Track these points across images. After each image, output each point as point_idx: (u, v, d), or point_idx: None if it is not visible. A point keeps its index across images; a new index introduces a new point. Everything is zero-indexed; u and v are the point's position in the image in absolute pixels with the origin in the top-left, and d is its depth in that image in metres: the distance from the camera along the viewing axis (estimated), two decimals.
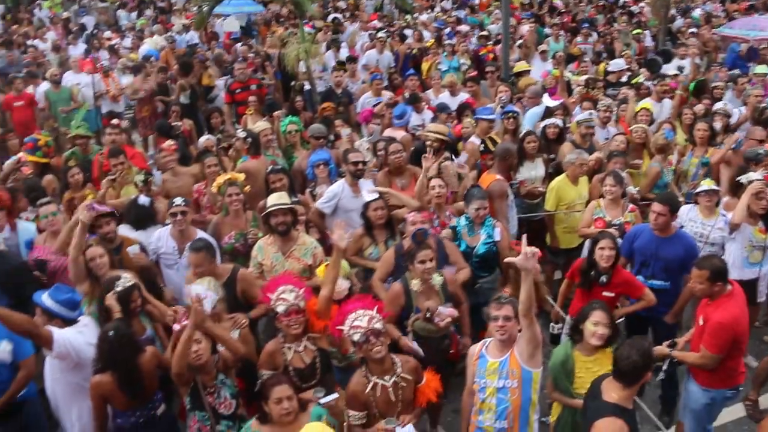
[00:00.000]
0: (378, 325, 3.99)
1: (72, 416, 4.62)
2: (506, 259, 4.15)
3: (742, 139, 7.62)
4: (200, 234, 5.80)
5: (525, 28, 14.39)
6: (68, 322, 4.52)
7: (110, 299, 4.57)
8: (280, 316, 4.26)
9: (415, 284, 4.94)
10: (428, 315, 4.71)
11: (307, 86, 11.26)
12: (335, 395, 4.24)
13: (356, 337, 3.98)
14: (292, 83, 11.68)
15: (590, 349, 4.38)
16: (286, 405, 3.77)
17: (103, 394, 4.22)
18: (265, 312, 5.08)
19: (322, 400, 4.23)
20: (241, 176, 6.28)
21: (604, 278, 5.24)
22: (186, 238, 5.71)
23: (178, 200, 5.77)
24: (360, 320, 3.99)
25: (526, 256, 3.64)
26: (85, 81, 11.31)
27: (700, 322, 4.67)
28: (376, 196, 5.94)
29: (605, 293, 5.25)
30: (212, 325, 4.31)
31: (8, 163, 7.19)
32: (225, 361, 4.32)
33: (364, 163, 6.53)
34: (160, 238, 5.88)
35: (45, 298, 4.46)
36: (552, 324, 5.81)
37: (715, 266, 4.55)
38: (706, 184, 6.17)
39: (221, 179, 6.14)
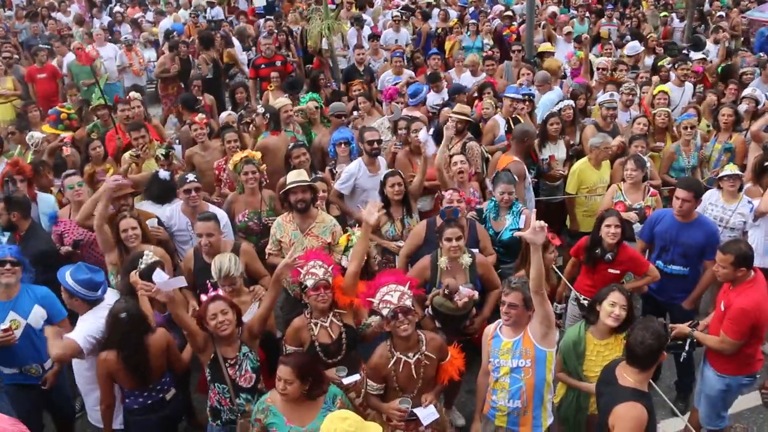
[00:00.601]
0: (408, 302, 3.99)
1: (90, 402, 4.73)
2: (515, 233, 4.11)
3: None
4: (212, 208, 5.85)
5: (551, 9, 14.19)
6: (90, 302, 4.52)
7: (134, 276, 4.60)
8: (308, 291, 4.28)
9: (442, 261, 4.95)
10: (447, 291, 4.71)
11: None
12: (357, 376, 4.27)
13: (385, 312, 3.99)
14: (314, 59, 11.68)
15: (604, 333, 4.38)
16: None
17: (109, 372, 4.25)
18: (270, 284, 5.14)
19: (345, 380, 4.27)
20: (258, 154, 6.28)
21: (609, 255, 5.24)
22: (197, 211, 5.75)
23: (191, 176, 5.81)
24: (391, 295, 3.99)
25: (534, 229, 3.64)
26: (108, 54, 11.37)
27: (722, 308, 4.64)
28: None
29: (610, 270, 5.28)
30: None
31: (52, 144, 7.24)
32: (250, 332, 4.35)
33: (380, 141, 6.53)
34: (172, 215, 5.93)
35: (67, 277, 4.46)
36: (555, 303, 5.70)
37: (741, 251, 4.52)
38: (730, 169, 6.11)
39: (237, 157, 6.15)
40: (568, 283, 5.73)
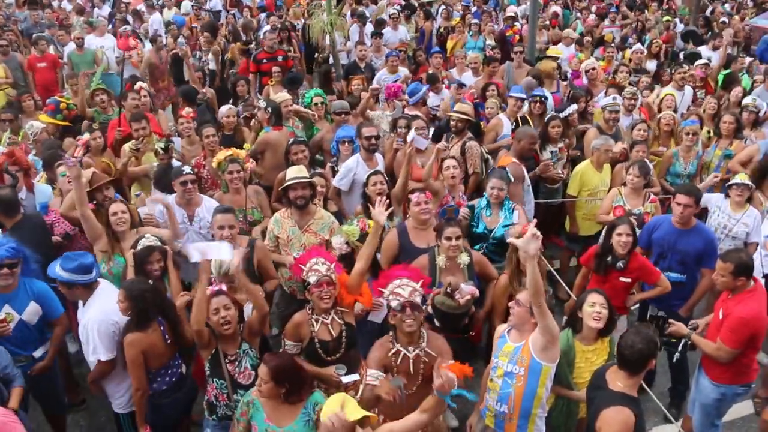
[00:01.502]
0: (418, 300, 3.98)
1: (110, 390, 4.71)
2: (508, 240, 4.06)
3: None
4: (206, 200, 5.83)
5: (559, 9, 14.18)
6: (87, 285, 4.57)
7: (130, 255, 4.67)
8: (311, 287, 4.27)
9: (440, 260, 4.94)
10: (449, 290, 4.70)
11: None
12: (356, 376, 4.25)
13: (394, 304, 3.97)
14: (316, 55, 11.63)
15: (590, 338, 4.37)
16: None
17: (143, 350, 4.26)
18: (275, 286, 5.16)
19: (344, 379, 4.26)
20: (242, 153, 6.23)
21: (621, 264, 5.20)
22: (193, 206, 5.74)
23: (187, 168, 5.78)
24: (403, 289, 3.98)
25: (528, 237, 3.57)
26: (109, 44, 11.30)
27: (720, 316, 4.64)
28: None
29: (622, 279, 5.24)
30: (242, 277, 4.30)
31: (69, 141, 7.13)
32: (251, 329, 4.35)
33: (378, 137, 6.50)
34: (172, 206, 5.84)
35: (58, 270, 4.49)
36: (565, 318, 5.59)
37: (741, 260, 4.51)
38: (740, 178, 6.08)
39: (222, 155, 6.09)
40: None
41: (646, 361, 3.64)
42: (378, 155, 6.58)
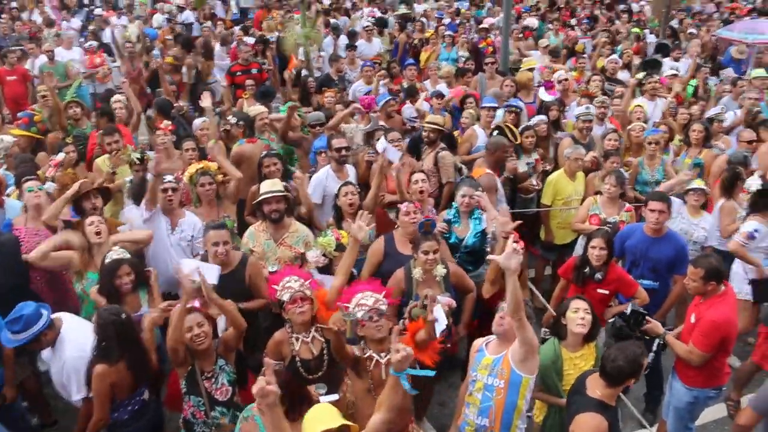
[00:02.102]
0: (383, 307, 4.00)
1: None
2: (488, 257, 4.06)
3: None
4: (190, 214, 5.77)
5: (529, 21, 14.34)
6: (49, 327, 4.35)
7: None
8: (286, 305, 4.22)
9: (417, 273, 4.95)
10: (425, 303, 4.71)
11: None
12: (335, 396, 4.20)
13: (360, 314, 3.97)
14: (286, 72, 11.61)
15: (576, 344, 4.40)
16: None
17: (112, 383, 4.11)
18: (261, 305, 5.05)
19: (323, 398, 4.19)
20: (214, 165, 6.16)
21: (598, 275, 5.26)
22: (176, 216, 5.68)
23: (169, 177, 5.71)
24: (366, 299, 3.99)
25: (509, 253, 3.55)
26: (78, 57, 11.20)
27: (692, 320, 4.71)
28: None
29: (600, 290, 5.28)
30: (215, 297, 4.25)
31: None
32: (226, 345, 4.29)
33: (348, 148, 6.52)
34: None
35: (12, 337, 4.25)
36: (543, 329, 5.41)
37: (712, 265, 4.60)
38: (696, 183, 6.27)
39: (193, 168, 6.04)
40: (553, 312, 5.73)
41: (625, 378, 3.70)
42: (349, 167, 6.59)
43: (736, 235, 5.97)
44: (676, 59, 11.82)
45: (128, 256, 4.78)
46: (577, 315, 4.32)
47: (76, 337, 4.39)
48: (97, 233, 5.06)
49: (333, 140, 6.48)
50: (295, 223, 5.57)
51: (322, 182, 6.38)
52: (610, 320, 5.05)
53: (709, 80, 10.97)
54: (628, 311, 4.89)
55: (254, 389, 2.85)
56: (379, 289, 4.12)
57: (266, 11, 16.71)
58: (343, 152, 6.40)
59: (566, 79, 9.65)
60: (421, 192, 5.89)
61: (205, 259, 5.05)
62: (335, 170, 6.42)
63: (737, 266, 6.14)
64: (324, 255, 5.27)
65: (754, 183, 6.32)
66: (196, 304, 4.21)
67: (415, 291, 4.92)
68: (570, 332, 4.38)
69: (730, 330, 4.58)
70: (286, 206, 5.41)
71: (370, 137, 7.24)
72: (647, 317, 4.85)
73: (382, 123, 7.80)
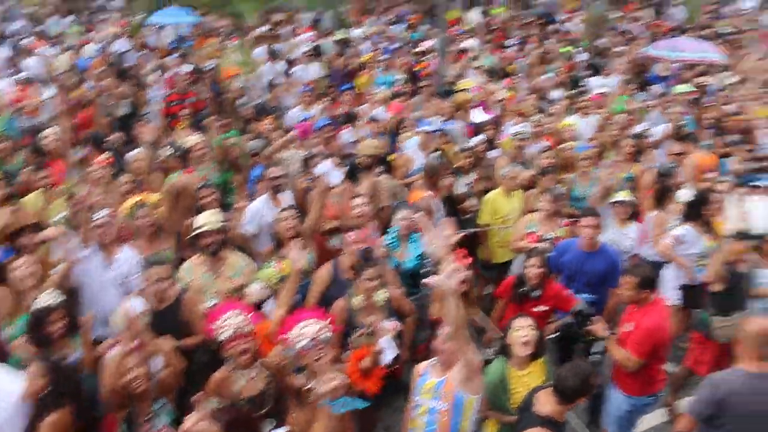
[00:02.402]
0: (327, 335, 3.95)
1: None
2: (424, 281, 3.95)
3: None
4: (126, 249, 5.63)
5: (469, 43, 14.59)
6: None
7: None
8: (225, 344, 4.09)
9: (356, 300, 4.92)
10: (370, 331, 4.70)
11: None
12: (285, 428, 4.13)
13: (302, 344, 3.90)
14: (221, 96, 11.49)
15: (522, 362, 4.43)
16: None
17: None
18: (199, 342, 4.90)
19: None
20: (153, 197, 6.07)
21: (536, 293, 5.34)
22: (111, 252, 5.53)
23: (103, 212, 5.57)
24: (309, 328, 3.93)
25: (448, 272, 3.55)
26: (5, 89, 10.84)
27: (628, 328, 4.85)
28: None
29: (538, 308, 5.35)
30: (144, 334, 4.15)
31: None
32: (163, 386, 4.16)
33: (284, 176, 6.50)
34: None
35: None
36: (484, 349, 5.48)
37: (645, 274, 4.80)
38: (622, 195, 6.53)
39: (130, 202, 5.94)
40: (495, 331, 5.75)
41: (575, 397, 3.77)
42: (285, 194, 6.56)
43: (665, 238, 6.20)
44: (606, 75, 12.22)
45: (59, 299, 4.54)
46: (520, 333, 4.36)
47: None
48: (24, 278, 4.80)
49: (268, 169, 6.43)
50: (233, 254, 5.49)
51: (260, 211, 6.33)
52: (552, 336, 5.15)
53: (637, 96, 11.38)
54: (577, 309, 5.02)
55: (181, 429, 2.77)
56: (323, 317, 4.08)
57: (204, 38, 16.56)
58: (279, 180, 6.37)
59: (502, 99, 9.83)
60: (360, 216, 5.90)
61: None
62: (271, 197, 6.38)
63: (667, 272, 6.34)
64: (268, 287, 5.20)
65: (684, 194, 6.59)
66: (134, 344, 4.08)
67: (358, 319, 4.90)
68: (515, 352, 4.41)
69: (662, 336, 4.75)
70: (223, 238, 5.32)
71: (307, 163, 7.21)
72: (592, 319, 4.97)
73: (320, 148, 7.80)
